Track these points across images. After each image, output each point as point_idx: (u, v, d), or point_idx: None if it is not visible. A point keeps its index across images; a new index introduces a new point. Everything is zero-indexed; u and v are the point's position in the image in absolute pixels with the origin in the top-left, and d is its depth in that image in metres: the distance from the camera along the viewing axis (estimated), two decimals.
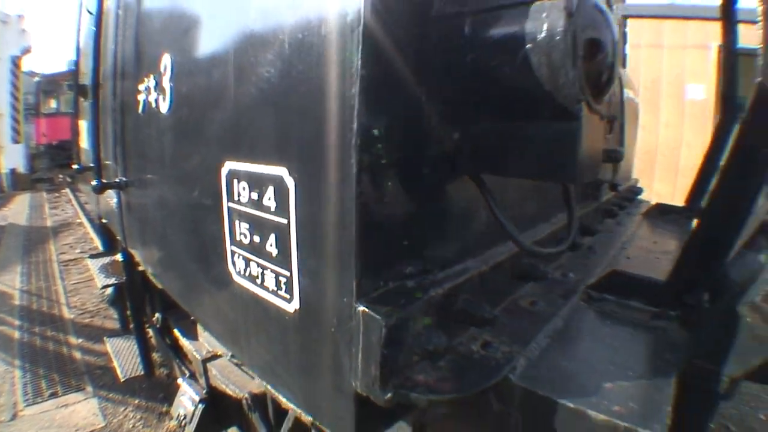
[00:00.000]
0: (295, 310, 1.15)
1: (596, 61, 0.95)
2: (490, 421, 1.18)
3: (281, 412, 2.06)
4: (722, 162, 1.57)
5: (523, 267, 1.51)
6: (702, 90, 8.31)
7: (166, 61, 1.71)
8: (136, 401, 3.69)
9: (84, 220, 9.42)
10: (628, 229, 2.69)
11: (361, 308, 0.95)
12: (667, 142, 8.85)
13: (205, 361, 2.41)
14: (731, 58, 3.07)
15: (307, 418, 1.80)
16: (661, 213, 3.32)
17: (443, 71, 1.03)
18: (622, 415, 1.02)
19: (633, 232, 2.71)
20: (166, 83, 1.70)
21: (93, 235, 7.93)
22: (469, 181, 1.14)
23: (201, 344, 2.66)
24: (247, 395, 2.16)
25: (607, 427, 1.01)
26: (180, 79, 1.63)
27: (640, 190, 3.90)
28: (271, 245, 1.18)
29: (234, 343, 1.58)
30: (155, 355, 3.62)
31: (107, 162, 2.69)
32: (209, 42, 1.45)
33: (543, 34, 0.88)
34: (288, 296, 1.15)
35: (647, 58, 8.62)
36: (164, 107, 1.73)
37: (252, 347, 1.44)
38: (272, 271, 1.19)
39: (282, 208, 1.12)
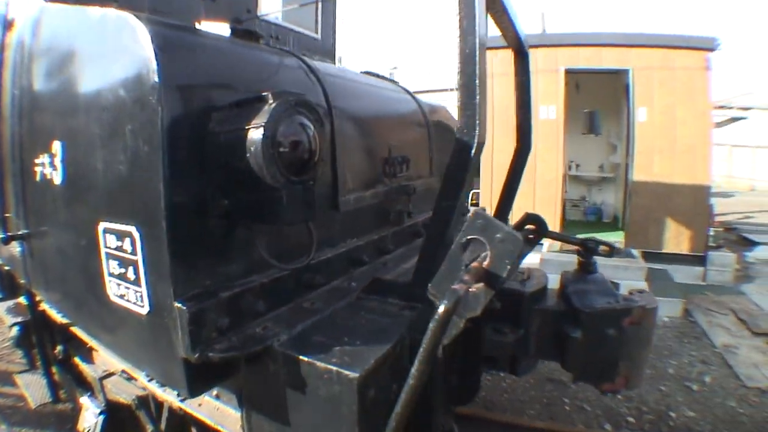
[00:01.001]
0: (147, 312, 1.81)
1: (297, 152, 1.68)
2: (270, 379, 1.73)
3: (159, 405, 2.67)
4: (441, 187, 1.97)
5: (304, 279, 2.14)
6: (554, 110, 8.93)
7: (57, 146, 2.27)
8: None
9: None
10: None
11: (177, 305, 1.64)
12: None
13: (102, 378, 2.93)
14: (524, 93, 3.15)
15: (177, 405, 2.44)
16: None
17: (214, 165, 1.73)
18: (337, 363, 1.56)
19: None
20: (58, 163, 2.26)
21: None
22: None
23: (97, 366, 3.14)
24: (134, 398, 2.71)
25: (326, 371, 1.55)
26: (69, 161, 2.18)
27: (466, 210, 4.71)
28: (130, 273, 1.84)
29: (117, 345, 2.20)
30: (62, 392, 4.02)
31: (8, 215, 3.15)
32: (85, 137, 2.03)
33: (253, 147, 1.55)
34: (142, 304, 1.82)
35: (500, 84, 8.46)
36: (57, 180, 2.27)
37: (129, 345, 2.08)
38: (132, 289, 1.85)
39: (134, 250, 1.79)
